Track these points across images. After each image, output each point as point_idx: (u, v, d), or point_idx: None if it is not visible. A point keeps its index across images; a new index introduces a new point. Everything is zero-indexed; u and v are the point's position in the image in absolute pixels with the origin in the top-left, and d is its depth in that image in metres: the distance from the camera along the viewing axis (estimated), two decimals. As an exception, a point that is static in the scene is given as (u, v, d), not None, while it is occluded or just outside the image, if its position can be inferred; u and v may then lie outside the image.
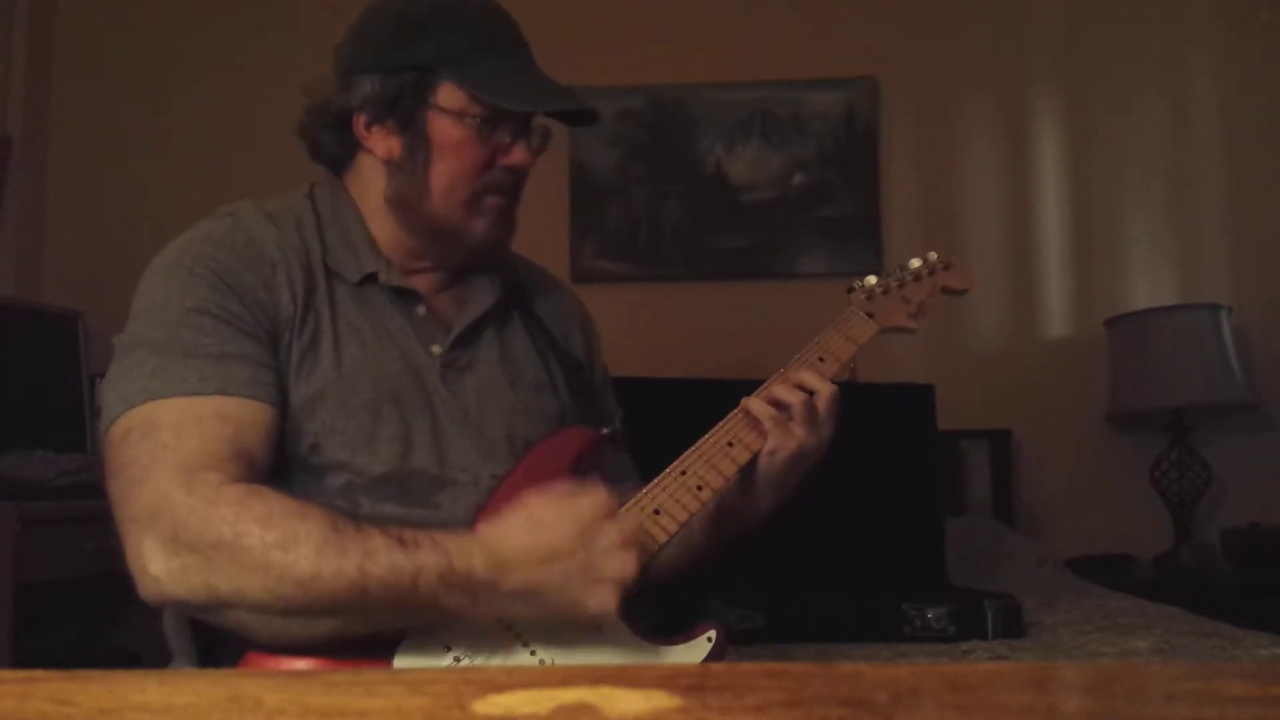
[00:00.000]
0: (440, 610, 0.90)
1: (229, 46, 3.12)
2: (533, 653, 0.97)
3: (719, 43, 3.09)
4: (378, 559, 0.88)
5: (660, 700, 0.34)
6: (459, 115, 1.07)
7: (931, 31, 3.10)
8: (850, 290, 1.27)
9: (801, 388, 1.12)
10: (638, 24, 3.11)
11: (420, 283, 1.13)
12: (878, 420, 2.09)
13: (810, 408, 1.11)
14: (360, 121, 1.09)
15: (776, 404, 1.11)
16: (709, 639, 1.01)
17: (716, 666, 0.40)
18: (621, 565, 0.93)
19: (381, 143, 1.09)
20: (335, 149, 1.13)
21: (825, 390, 1.12)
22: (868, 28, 3.10)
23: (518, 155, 1.09)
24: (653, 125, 3.08)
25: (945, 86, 3.11)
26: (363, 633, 0.91)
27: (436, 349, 1.10)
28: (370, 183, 1.12)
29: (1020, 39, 3.11)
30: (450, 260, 1.14)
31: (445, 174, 1.08)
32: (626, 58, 3.08)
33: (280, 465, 1.01)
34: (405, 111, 1.08)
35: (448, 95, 1.07)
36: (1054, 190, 3.08)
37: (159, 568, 0.89)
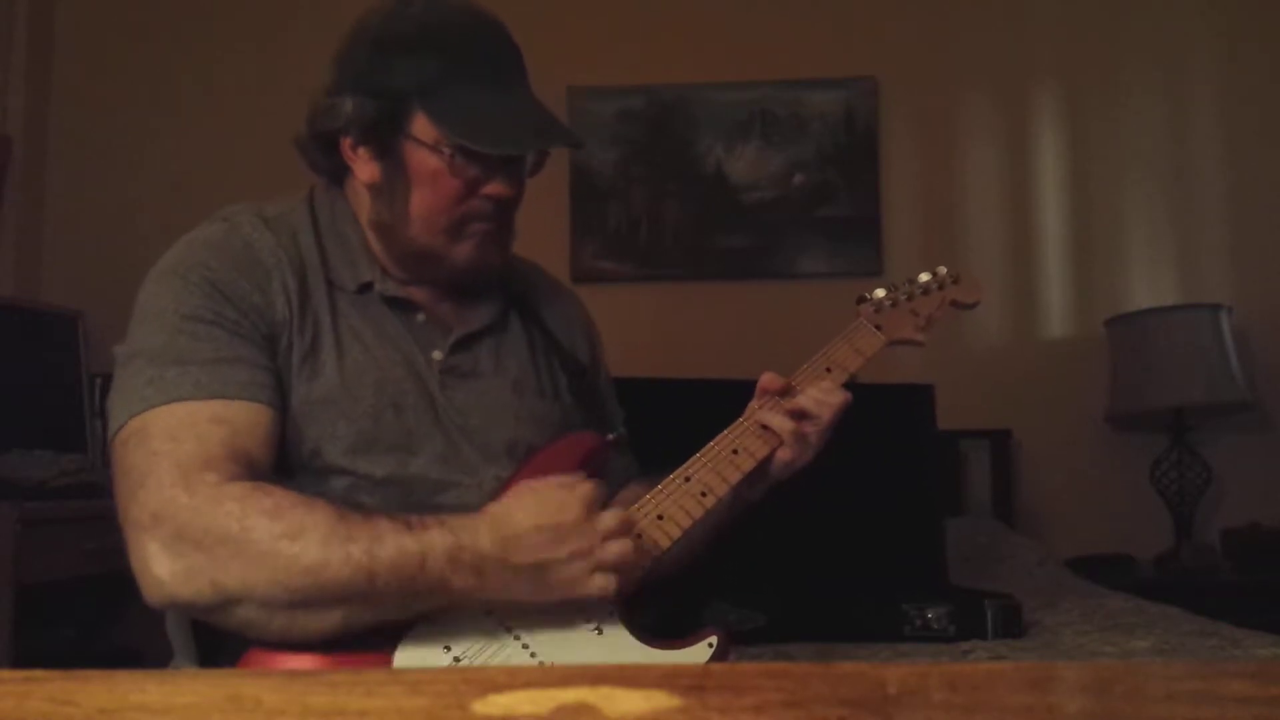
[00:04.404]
0: (448, 591, 0.91)
1: (229, 47, 3.12)
2: (533, 655, 0.97)
3: (719, 43, 3.09)
4: (385, 543, 0.89)
5: (660, 700, 0.34)
6: (433, 147, 1.04)
7: (931, 31, 3.10)
8: (859, 302, 1.27)
9: (818, 400, 1.13)
10: (638, 24, 3.11)
11: (418, 293, 1.12)
12: (878, 420, 2.09)
13: (832, 417, 1.12)
14: (346, 143, 1.08)
15: (801, 415, 1.11)
16: (710, 644, 1.01)
17: (716, 666, 0.40)
18: (622, 549, 0.95)
19: (364, 166, 1.08)
20: (328, 166, 1.12)
21: (839, 398, 1.13)
22: (868, 28, 3.10)
23: (496, 188, 1.07)
24: (653, 125, 3.08)
25: (945, 86, 3.11)
26: (369, 623, 0.91)
27: (437, 355, 1.10)
28: (361, 200, 1.11)
29: (1020, 39, 3.11)
30: (438, 281, 1.13)
31: (423, 203, 1.06)
32: (626, 58, 3.08)
33: (284, 468, 1.01)
34: (382, 138, 1.06)
35: (421, 126, 1.04)
36: (1054, 190, 3.08)
37: (163, 570, 0.89)
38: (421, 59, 1.04)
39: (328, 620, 0.90)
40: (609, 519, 0.96)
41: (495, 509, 0.95)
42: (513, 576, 0.92)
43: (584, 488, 0.97)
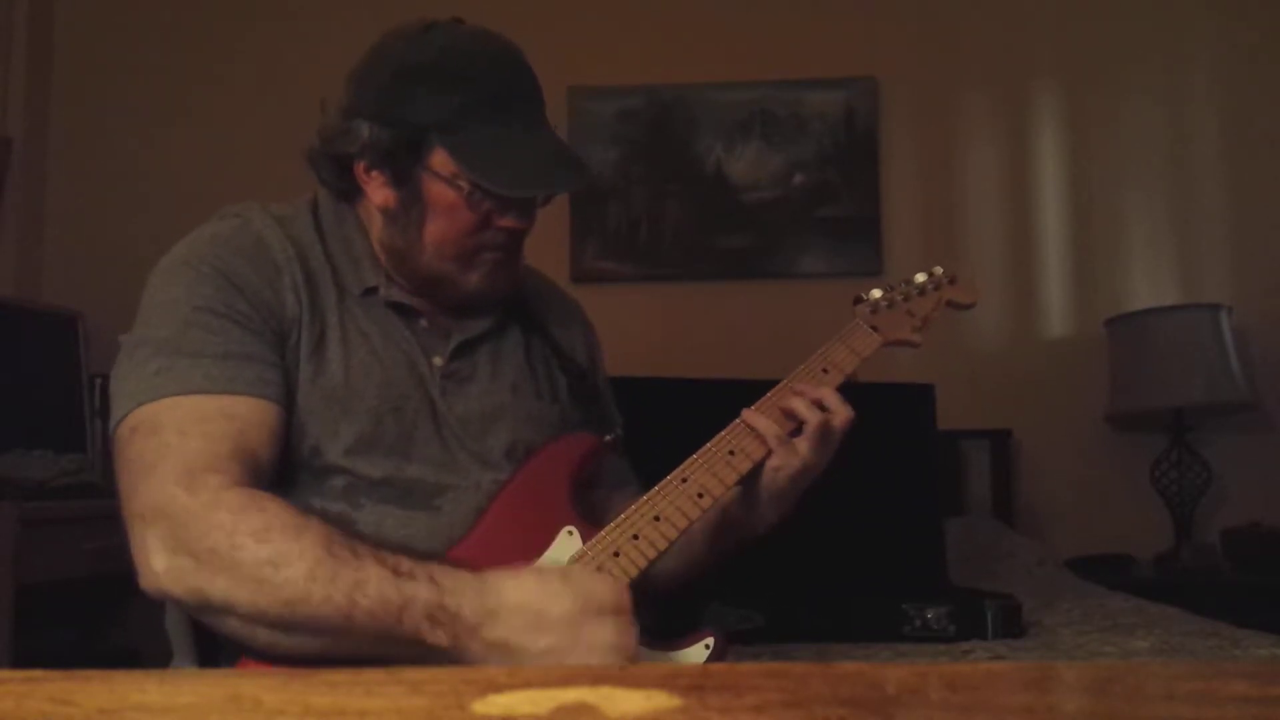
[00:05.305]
0: (423, 646, 0.88)
1: (229, 47, 3.12)
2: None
3: (719, 43, 3.09)
4: (367, 589, 0.87)
5: (660, 700, 0.34)
6: (450, 180, 1.04)
7: (931, 31, 3.10)
8: (856, 302, 1.27)
9: (821, 405, 1.11)
10: (638, 24, 3.11)
11: (420, 300, 1.12)
12: (878, 420, 2.09)
13: (826, 429, 1.10)
14: (360, 166, 1.08)
15: (792, 416, 1.10)
16: (706, 645, 1.01)
17: (716, 666, 0.40)
18: (615, 635, 0.88)
19: (378, 191, 1.08)
20: (339, 185, 1.12)
21: (843, 414, 1.11)
22: (868, 28, 3.10)
23: (510, 221, 1.07)
24: (653, 125, 3.08)
25: (945, 86, 3.11)
26: (349, 654, 0.89)
27: (438, 360, 1.11)
28: (372, 219, 1.11)
29: (1020, 39, 3.11)
30: (444, 303, 1.13)
31: (437, 232, 1.06)
32: (626, 58, 3.08)
33: (285, 466, 1.01)
34: (400, 167, 1.05)
35: (440, 160, 1.04)
36: (1054, 190, 3.08)
37: (160, 564, 0.89)
38: (442, 93, 1.03)
39: (308, 645, 0.89)
40: (606, 630, 0.88)
41: (492, 576, 0.90)
42: (483, 649, 0.87)
43: (596, 586, 0.90)
